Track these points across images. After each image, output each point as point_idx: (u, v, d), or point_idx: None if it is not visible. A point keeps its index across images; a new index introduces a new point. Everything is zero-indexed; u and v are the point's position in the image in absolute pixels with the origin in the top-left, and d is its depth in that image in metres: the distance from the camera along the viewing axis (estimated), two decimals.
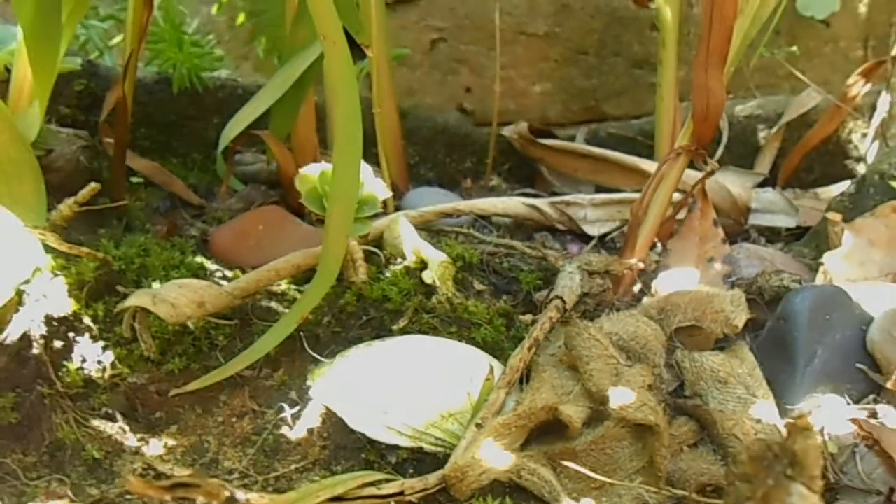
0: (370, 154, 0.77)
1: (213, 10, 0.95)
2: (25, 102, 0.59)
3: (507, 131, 0.91)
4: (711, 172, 0.66)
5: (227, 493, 0.36)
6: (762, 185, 0.88)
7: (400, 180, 0.88)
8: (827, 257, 0.60)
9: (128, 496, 0.44)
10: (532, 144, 0.90)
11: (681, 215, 0.70)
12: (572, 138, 0.98)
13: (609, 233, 0.78)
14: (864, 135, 0.89)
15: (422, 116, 0.95)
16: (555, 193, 0.90)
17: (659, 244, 0.69)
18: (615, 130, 0.96)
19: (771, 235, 0.77)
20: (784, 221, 0.76)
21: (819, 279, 0.60)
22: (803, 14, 1.01)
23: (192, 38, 0.84)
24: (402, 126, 0.88)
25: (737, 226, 0.77)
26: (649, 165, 0.81)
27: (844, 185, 0.79)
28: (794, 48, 0.94)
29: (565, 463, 0.42)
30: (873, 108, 0.88)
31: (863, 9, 1.05)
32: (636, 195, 0.80)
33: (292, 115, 0.75)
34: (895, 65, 0.79)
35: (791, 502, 0.29)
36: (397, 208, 0.81)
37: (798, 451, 0.29)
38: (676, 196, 0.68)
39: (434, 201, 0.81)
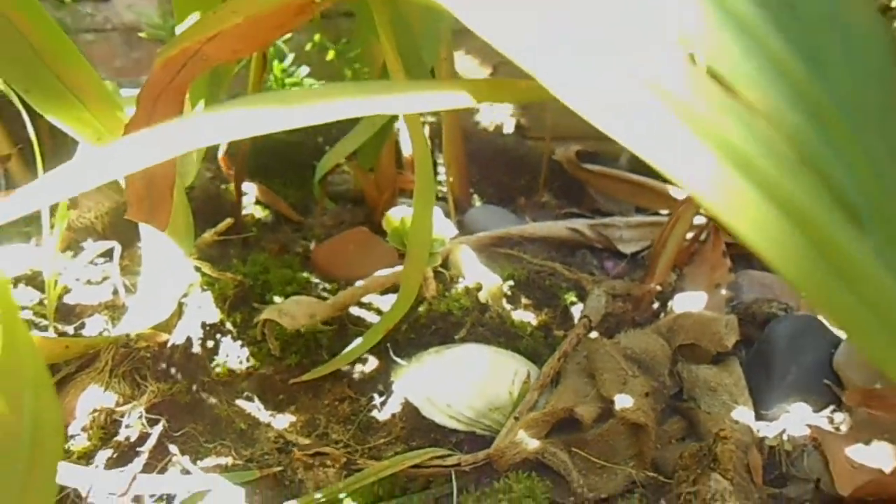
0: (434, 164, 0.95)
1: (307, 46, 1.13)
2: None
3: (557, 155, 1.06)
4: None
5: (344, 459, 0.54)
6: None
7: (463, 198, 1.05)
8: None
9: (266, 455, 0.64)
10: (579, 168, 1.05)
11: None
12: (619, 155, 1.13)
13: (640, 251, 0.93)
14: None
15: (484, 139, 1.11)
16: (598, 210, 1.05)
17: (678, 268, 0.84)
18: None
19: None
20: None
21: (804, 307, 0.75)
22: None
23: (293, 79, 1.03)
24: (465, 149, 1.05)
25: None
26: (677, 191, 0.95)
27: None
28: None
29: (577, 449, 0.59)
30: None
31: None
32: (666, 218, 0.94)
33: (377, 151, 0.93)
34: None
35: (710, 485, 0.46)
36: (459, 223, 0.98)
37: (718, 452, 0.46)
38: (701, 219, 0.83)
39: (492, 219, 0.98)
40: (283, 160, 1.07)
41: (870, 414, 0.61)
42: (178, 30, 0.53)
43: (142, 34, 1.03)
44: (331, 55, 1.08)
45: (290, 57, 1.08)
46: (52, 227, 0.68)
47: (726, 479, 0.45)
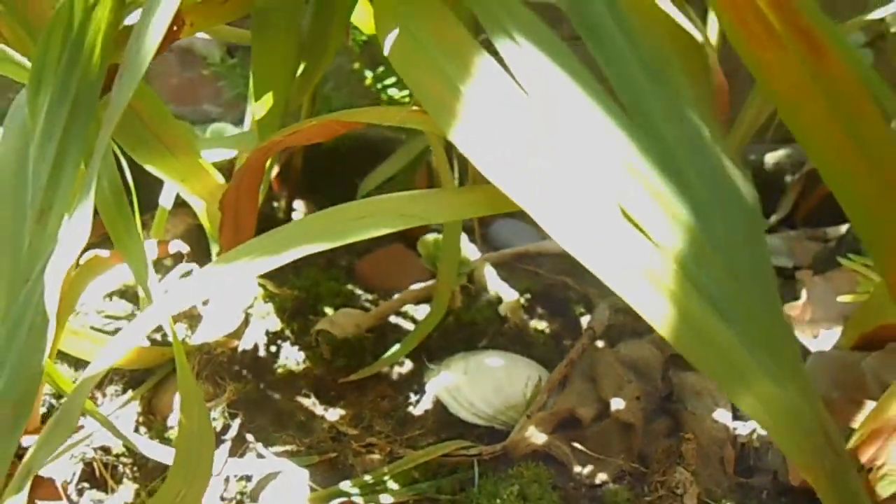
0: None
1: (355, 66, 1.26)
2: None
3: None
4: None
5: (388, 448, 0.69)
6: (784, 222, 1.13)
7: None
8: (788, 307, 0.87)
9: (322, 443, 0.79)
10: None
11: None
12: None
13: None
14: None
15: None
16: None
17: None
18: None
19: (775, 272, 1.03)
20: (783, 262, 1.02)
21: None
22: None
23: (333, 103, 1.17)
24: None
25: None
26: None
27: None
28: None
29: (577, 444, 0.73)
30: None
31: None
32: None
33: (412, 175, 1.07)
34: None
35: (676, 476, 0.59)
36: (483, 236, 1.12)
37: (683, 449, 0.59)
38: None
39: (513, 232, 1.12)
40: (327, 180, 1.21)
41: None
42: (254, 108, 0.67)
43: (210, 69, 1.17)
44: (368, 81, 1.22)
45: (331, 83, 1.22)
46: None
47: (688, 472, 0.59)
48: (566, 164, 0.35)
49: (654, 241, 0.35)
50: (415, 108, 0.47)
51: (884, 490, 0.63)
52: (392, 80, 1.19)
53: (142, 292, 0.85)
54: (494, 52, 0.39)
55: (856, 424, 0.68)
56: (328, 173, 1.20)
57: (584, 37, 0.37)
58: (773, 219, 1.11)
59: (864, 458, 0.63)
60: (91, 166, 0.42)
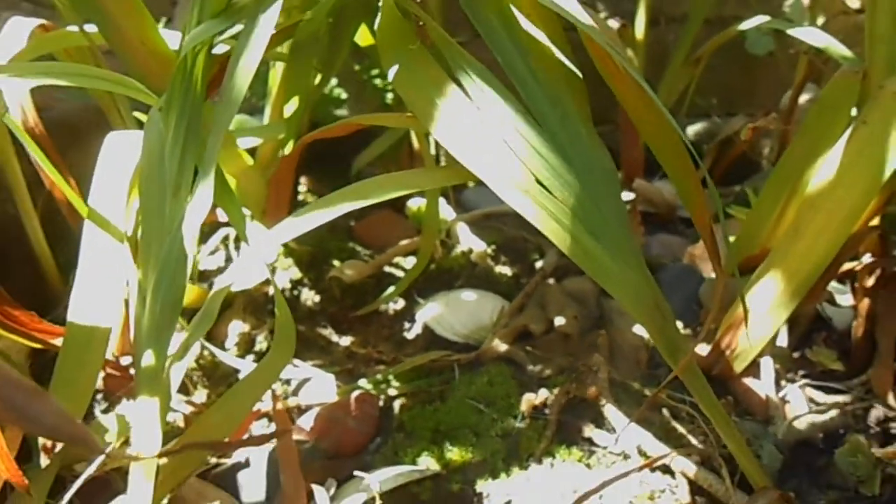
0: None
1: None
2: (269, 160, 1.19)
3: None
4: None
5: (392, 356, 0.97)
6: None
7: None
8: (691, 247, 1.17)
9: (339, 360, 1.07)
10: None
11: None
12: None
13: None
14: (772, 149, 1.42)
15: None
16: None
17: None
18: None
19: (690, 223, 1.33)
20: None
21: (686, 259, 1.17)
22: (750, 51, 1.52)
23: (328, 95, 1.43)
24: None
25: (668, 217, 1.33)
26: None
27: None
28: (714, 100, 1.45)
29: (531, 349, 1.02)
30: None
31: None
32: None
33: (398, 151, 1.34)
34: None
35: (593, 359, 0.88)
36: (458, 200, 1.40)
37: (598, 343, 0.88)
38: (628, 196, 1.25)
39: (483, 197, 1.39)
40: (322, 159, 1.48)
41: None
42: (285, 109, 0.93)
43: None
44: (358, 72, 1.48)
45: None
46: None
47: (602, 356, 0.88)
48: (499, 150, 0.63)
49: (554, 195, 0.63)
50: (408, 114, 0.74)
51: (738, 366, 0.93)
52: (375, 71, 1.46)
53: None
54: (459, 84, 0.66)
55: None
56: (326, 153, 1.46)
57: (508, 75, 0.64)
58: None
59: (723, 345, 0.93)
60: (207, 160, 0.69)
